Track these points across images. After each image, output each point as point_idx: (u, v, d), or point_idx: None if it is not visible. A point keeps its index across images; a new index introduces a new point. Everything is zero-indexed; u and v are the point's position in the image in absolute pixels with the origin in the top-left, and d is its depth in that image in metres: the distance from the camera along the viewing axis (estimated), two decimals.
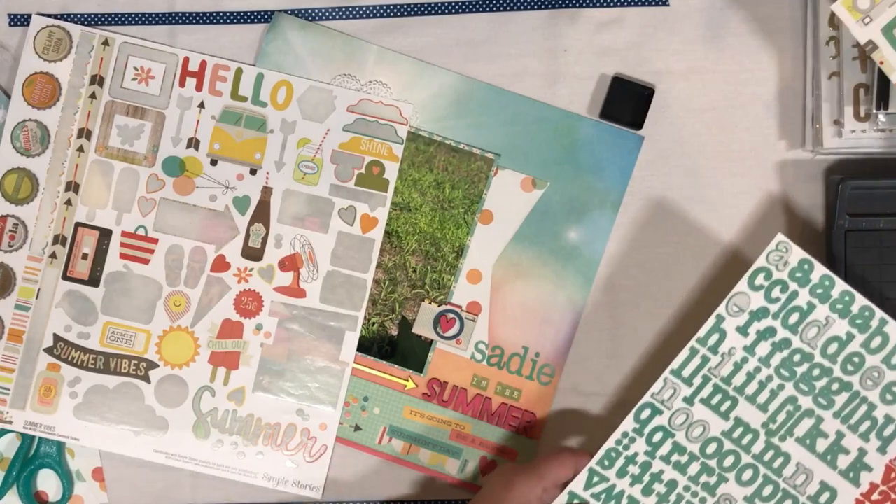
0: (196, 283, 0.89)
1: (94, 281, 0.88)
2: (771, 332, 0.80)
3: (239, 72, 0.88)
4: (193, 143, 0.88)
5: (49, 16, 0.88)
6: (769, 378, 0.81)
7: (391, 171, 0.88)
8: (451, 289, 0.89)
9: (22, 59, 0.88)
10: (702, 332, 0.80)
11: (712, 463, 0.81)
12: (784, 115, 0.88)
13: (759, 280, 0.80)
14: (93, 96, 0.88)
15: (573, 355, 0.89)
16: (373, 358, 0.89)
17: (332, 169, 0.88)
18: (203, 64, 0.88)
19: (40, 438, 0.89)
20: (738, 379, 0.81)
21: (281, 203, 0.88)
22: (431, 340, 0.89)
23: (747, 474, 0.81)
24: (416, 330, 0.89)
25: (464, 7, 0.89)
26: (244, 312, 0.89)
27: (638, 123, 0.88)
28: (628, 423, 0.81)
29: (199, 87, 0.88)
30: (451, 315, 0.88)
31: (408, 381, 0.89)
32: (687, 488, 0.81)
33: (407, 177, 0.89)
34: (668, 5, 0.88)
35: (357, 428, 0.89)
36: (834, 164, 0.88)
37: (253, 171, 0.88)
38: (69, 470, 0.90)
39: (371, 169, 0.88)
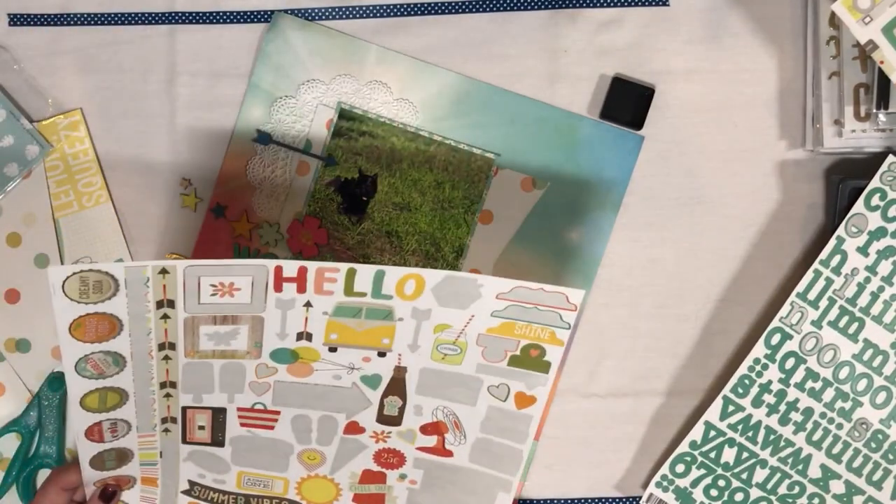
0: (329, 442, 0.82)
1: (217, 443, 0.82)
2: (891, 250, 0.82)
3: (351, 272, 0.73)
4: (305, 335, 0.77)
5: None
6: (893, 297, 0.82)
7: (554, 355, 0.76)
8: None
9: (55, 307, 0.72)
10: (823, 255, 0.83)
11: (846, 388, 0.82)
12: (784, 115, 0.88)
13: (875, 200, 0.82)
14: (165, 317, 0.75)
15: (573, 355, 0.89)
16: None
17: (479, 351, 0.77)
18: (302, 270, 0.74)
19: (40, 438, 0.89)
20: (863, 300, 0.83)
21: (418, 379, 0.79)
22: None
23: (881, 397, 0.83)
24: None
25: (464, 7, 0.89)
26: (386, 465, 0.83)
27: (638, 123, 0.88)
28: (759, 349, 0.82)
29: (301, 289, 0.74)
30: None
31: None
32: (823, 415, 0.83)
33: (407, 177, 0.89)
34: (668, 5, 0.88)
35: None
36: (834, 164, 0.88)
37: (382, 354, 0.78)
38: None
39: (528, 352, 0.77)
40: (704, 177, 0.88)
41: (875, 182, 0.82)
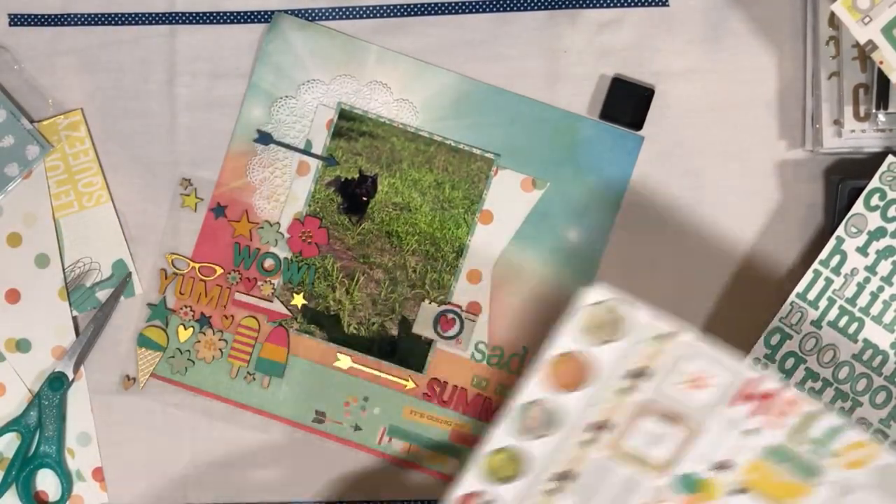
0: None
1: None
2: (891, 250, 0.82)
3: (811, 416, 0.70)
4: (721, 465, 0.73)
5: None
6: (893, 297, 0.82)
7: None
8: (451, 289, 0.89)
9: (557, 335, 0.73)
10: (823, 255, 0.83)
11: (846, 388, 0.82)
12: (784, 115, 0.88)
13: (875, 200, 0.82)
14: (623, 391, 0.73)
15: None
16: (373, 358, 0.89)
17: None
18: (773, 392, 0.71)
19: (40, 438, 0.89)
20: (863, 300, 0.83)
21: None
22: (431, 340, 0.89)
23: (880, 397, 0.82)
24: (416, 330, 0.89)
25: (464, 7, 0.89)
26: None
27: (638, 124, 0.88)
28: (759, 349, 0.82)
29: (754, 414, 0.71)
30: (451, 315, 0.88)
31: (408, 381, 0.89)
32: None
33: (407, 177, 0.89)
34: (668, 5, 0.88)
35: (357, 428, 0.89)
36: (834, 164, 0.88)
37: None
38: (69, 470, 0.90)
39: None
40: (704, 177, 0.88)
41: (874, 182, 0.82)
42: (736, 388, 0.71)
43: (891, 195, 0.82)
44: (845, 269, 0.83)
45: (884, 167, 0.82)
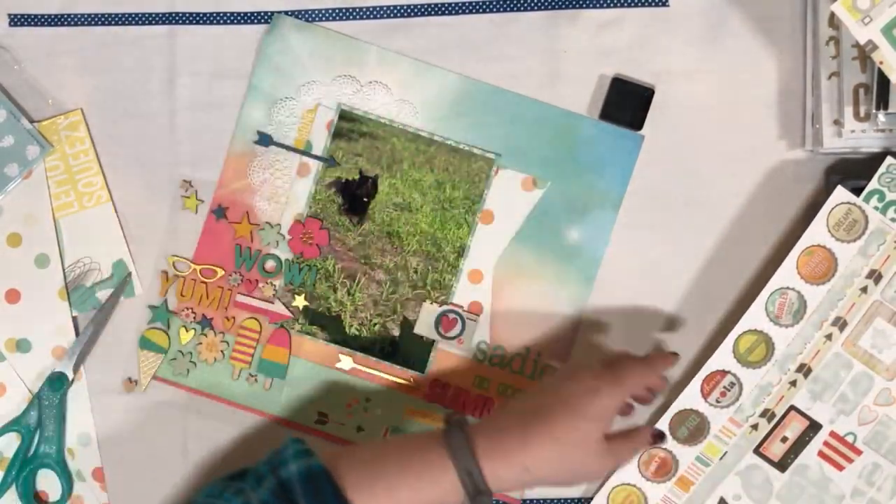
0: None
1: (781, 465, 0.84)
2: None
3: None
4: None
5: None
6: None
7: None
8: (452, 289, 0.89)
9: (810, 227, 0.82)
10: None
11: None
12: (784, 115, 0.88)
13: (874, 202, 0.82)
14: (864, 290, 0.82)
15: (575, 355, 0.89)
16: (374, 358, 0.89)
17: None
18: None
19: (40, 438, 0.89)
20: None
21: None
22: (433, 341, 0.89)
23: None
24: (417, 330, 0.89)
25: (464, 8, 0.89)
26: None
27: (638, 123, 0.88)
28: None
29: None
30: (452, 315, 0.88)
31: (409, 381, 0.89)
32: None
33: (408, 177, 0.89)
34: (668, 5, 0.89)
35: (359, 429, 0.89)
36: (834, 164, 0.88)
37: None
38: (69, 470, 0.90)
39: None
40: (704, 177, 0.89)
41: (873, 184, 0.82)
42: None
43: (890, 196, 0.82)
44: None
45: (882, 169, 0.82)
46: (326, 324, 0.90)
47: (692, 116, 0.89)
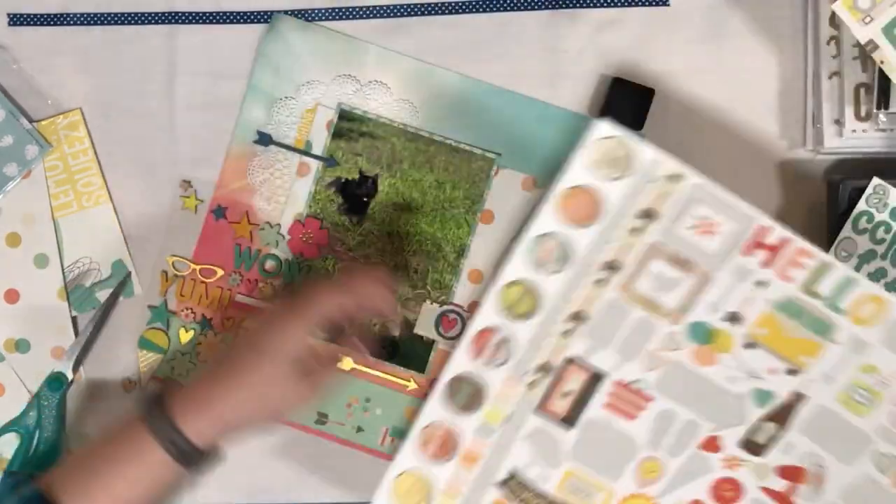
0: (679, 454, 0.79)
1: (568, 421, 0.80)
2: (882, 272, 0.81)
3: (823, 267, 0.73)
4: (735, 317, 0.76)
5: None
6: None
7: None
8: (452, 289, 0.89)
9: (569, 168, 0.77)
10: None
11: None
12: (784, 115, 0.88)
13: (863, 223, 0.81)
14: (634, 231, 0.76)
15: None
16: (374, 359, 0.89)
17: (891, 411, 0.74)
18: (784, 242, 0.74)
19: (39, 438, 0.89)
20: None
21: (810, 414, 0.76)
22: (433, 341, 0.89)
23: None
24: (417, 330, 0.89)
25: (464, 7, 0.89)
26: (720, 499, 0.79)
27: (638, 123, 0.88)
28: None
29: (766, 264, 0.73)
30: (452, 315, 0.88)
31: (410, 381, 0.89)
32: None
33: (408, 177, 0.89)
34: (669, 5, 0.88)
35: (359, 429, 0.89)
36: (834, 164, 0.88)
37: (791, 372, 0.76)
38: None
39: None
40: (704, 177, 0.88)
41: (861, 205, 0.82)
42: (746, 237, 0.72)
43: (878, 217, 0.81)
44: None
45: (869, 190, 0.81)
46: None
47: (692, 116, 0.88)
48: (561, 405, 0.79)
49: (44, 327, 0.90)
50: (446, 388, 0.80)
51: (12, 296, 0.90)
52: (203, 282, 0.90)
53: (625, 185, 0.75)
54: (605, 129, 0.75)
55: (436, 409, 0.80)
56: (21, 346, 0.90)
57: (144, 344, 0.90)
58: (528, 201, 0.88)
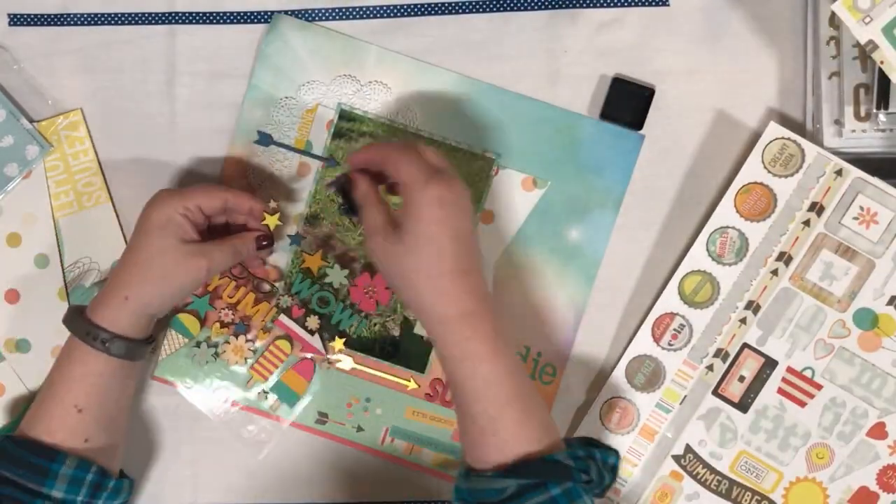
0: (848, 441, 0.84)
1: (742, 406, 0.85)
2: None
3: None
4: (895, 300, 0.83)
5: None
6: None
7: None
8: None
9: (745, 166, 0.84)
10: None
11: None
12: (784, 115, 0.88)
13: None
14: (806, 223, 0.83)
15: (575, 355, 0.89)
16: (375, 358, 0.89)
17: None
18: None
19: None
20: None
21: None
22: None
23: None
24: (417, 330, 0.89)
25: (464, 7, 0.89)
26: (885, 487, 0.84)
27: (638, 123, 0.88)
28: None
29: None
30: None
31: (410, 381, 0.89)
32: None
33: None
34: (669, 5, 0.89)
35: (359, 429, 0.89)
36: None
37: None
38: None
39: None
40: (704, 177, 0.88)
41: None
42: None
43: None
44: None
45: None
46: (325, 323, 0.89)
47: (692, 116, 0.89)
48: (736, 388, 0.85)
49: (44, 327, 0.90)
50: (627, 366, 0.86)
51: (12, 296, 0.90)
52: (253, 292, 0.89)
53: (795, 181, 0.83)
54: (778, 131, 0.83)
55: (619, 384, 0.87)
56: (21, 345, 0.90)
57: (176, 324, 0.89)
58: (527, 201, 0.88)
